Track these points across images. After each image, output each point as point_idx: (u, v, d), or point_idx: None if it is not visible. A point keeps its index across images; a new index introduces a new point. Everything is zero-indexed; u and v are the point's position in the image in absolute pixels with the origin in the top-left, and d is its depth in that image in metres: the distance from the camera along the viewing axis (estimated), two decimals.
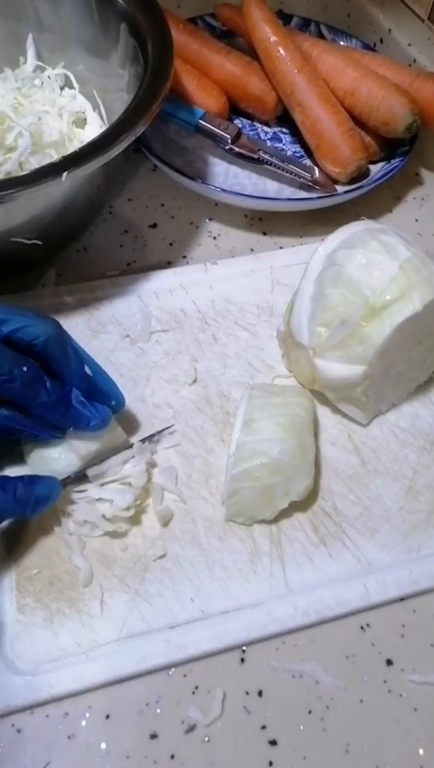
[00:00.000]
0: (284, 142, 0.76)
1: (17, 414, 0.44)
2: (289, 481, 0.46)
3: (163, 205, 0.71)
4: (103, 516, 0.46)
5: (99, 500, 0.47)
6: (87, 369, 0.47)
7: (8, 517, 0.44)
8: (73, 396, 0.46)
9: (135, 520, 0.48)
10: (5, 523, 0.46)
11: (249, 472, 0.46)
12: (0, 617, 0.43)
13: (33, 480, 0.44)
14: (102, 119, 0.68)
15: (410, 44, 0.82)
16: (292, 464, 0.46)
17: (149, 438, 0.51)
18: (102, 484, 0.47)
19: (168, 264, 0.65)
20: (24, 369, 0.42)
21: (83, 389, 0.46)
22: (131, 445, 0.49)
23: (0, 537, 0.46)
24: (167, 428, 0.52)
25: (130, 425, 0.52)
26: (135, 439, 0.50)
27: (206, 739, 0.41)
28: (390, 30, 0.83)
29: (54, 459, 0.47)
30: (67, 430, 0.47)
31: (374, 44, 0.85)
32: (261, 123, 0.77)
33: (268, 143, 0.75)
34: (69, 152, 0.50)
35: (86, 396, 0.46)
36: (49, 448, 0.47)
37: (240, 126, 0.76)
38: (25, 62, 0.70)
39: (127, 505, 0.46)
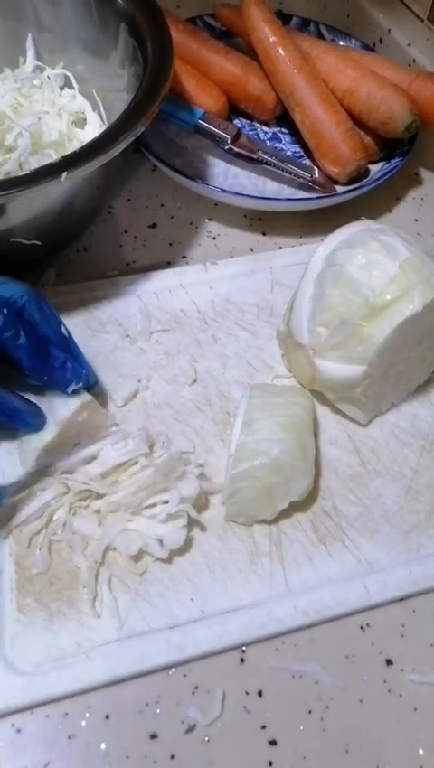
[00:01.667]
0: (283, 142, 0.76)
1: None
2: (289, 481, 0.46)
3: (162, 205, 0.71)
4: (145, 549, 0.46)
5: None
6: (63, 329, 0.47)
7: None
8: (52, 352, 0.46)
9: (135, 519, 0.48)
10: None
11: (249, 473, 0.46)
12: (0, 617, 0.43)
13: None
14: (102, 119, 0.68)
15: (409, 44, 0.82)
16: (292, 464, 0.46)
17: None
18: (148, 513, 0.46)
19: (168, 264, 0.65)
20: None
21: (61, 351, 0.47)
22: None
23: None
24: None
25: (130, 424, 0.52)
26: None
27: (206, 739, 0.41)
28: (389, 30, 0.84)
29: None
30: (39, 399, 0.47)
31: (374, 44, 0.85)
32: (261, 123, 0.77)
33: (268, 143, 0.75)
34: (68, 152, 0.50)
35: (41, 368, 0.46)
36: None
37: (239, 126, 0.76)
38: (25, 62, 0.70)
39: (180, 543, 0.46)
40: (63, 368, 0.46)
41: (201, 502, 0.48)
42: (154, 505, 0.46)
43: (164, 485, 0.46)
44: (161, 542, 0.45)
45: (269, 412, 0.48)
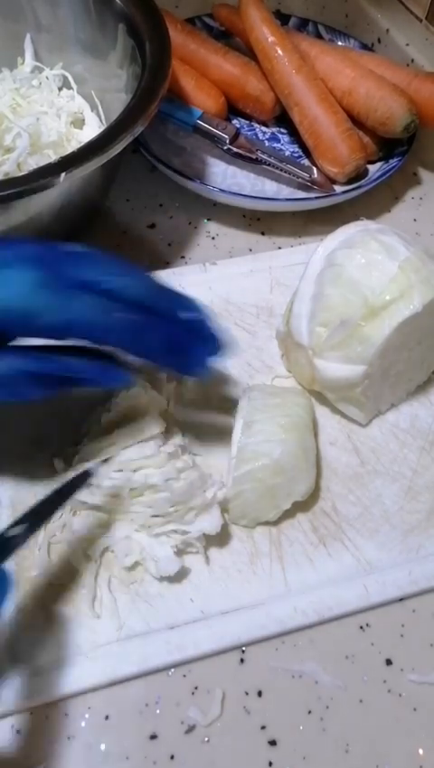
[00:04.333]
0: (282, 142, 0.76)
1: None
2: (292, 481, 0.46)
3: (161, 205, 0.71)
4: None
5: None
6: (186, 314, 0.43)
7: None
8: (182, 334, 0.42)
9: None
10: None
11: (251, 474, 0.46)
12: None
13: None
14: (100, 120, 0.68)
15: (407, 44, 0.82)
16: (294, 465, 0.46)
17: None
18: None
19: (167, 264, 0.65)
20: (115, 315, 0.39)
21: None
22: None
23: None
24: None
25: None
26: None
27: (206, 739, 0.41)
28: (388, 30, 0.84)
29: None
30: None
31: (372, 44, 0.85)
32: (259, 123, 0.77)
33: (267, 143, 0.75)
34: (67, 152, 0.50)
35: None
36: None
37: (238, 126, 0.76)
38: (23, 63, 0.70)
39: (173, 572, 0.44)
40: (195, 355, 0.43)
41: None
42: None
43: (181, 513, 0.45)
44: (156, 563, 0.44)
45: (270, 413, 0.48)
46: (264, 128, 0.77)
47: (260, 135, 0.76)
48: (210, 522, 0.45)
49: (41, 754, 0.40)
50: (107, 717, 0.41)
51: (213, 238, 0.68)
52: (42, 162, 0.58)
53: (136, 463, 0.45)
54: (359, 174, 0.70)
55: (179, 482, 0.45)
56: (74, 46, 0.68)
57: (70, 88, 0.70)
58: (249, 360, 0.56)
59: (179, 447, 0.47)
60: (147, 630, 0.43)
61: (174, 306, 0.42)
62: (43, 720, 0.41)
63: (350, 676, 0.43)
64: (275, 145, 0.75)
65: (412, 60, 0.81)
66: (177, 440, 0.48)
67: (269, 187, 0.71)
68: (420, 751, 0.41)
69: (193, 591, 0.45)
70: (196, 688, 0.42)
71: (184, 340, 0.42)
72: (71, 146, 0.66)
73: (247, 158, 0.69)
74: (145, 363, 0.44)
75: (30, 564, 0.45)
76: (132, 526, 0.45)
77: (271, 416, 0.48)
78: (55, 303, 0.38)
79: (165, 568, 0.44)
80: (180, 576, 0.45)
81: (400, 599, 0.46)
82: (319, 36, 0.83)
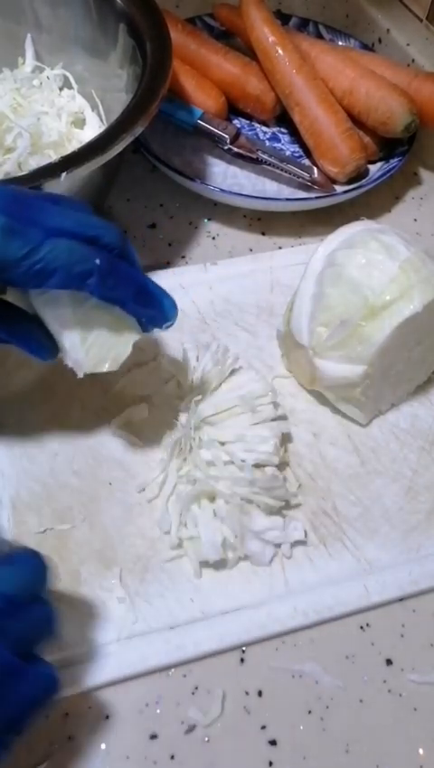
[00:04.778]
0: (283, 142, 0.76)
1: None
2: None
3: (162, 205, 0.71)
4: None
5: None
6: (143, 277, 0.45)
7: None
8: (150, 283, 0.44)
9: (135, 521, 0.48)
10: None
11: None
12: None
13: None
14: (101, 120, 0.68)
15: (408, 44, 0.82)
16: None
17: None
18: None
19: (167, 264, 0.65)
20: (97, 261, 0.40)
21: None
22: None
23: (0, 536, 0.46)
24: None
25: None
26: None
27: (206, 739, 0.41)
28: (388, 30, 0.83)
29: None
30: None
31: (373, 44, 0.85)
32: (260, 123, 0.77)
33: (267, 143, 0.75)
34: (68, 152, 0.50)
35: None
36: None
37: (238, 126, 0.76)
38: (24, 63, 0.70)
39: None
40: (157, 300, 0.44)
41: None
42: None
43: (264, 502, 0.46)
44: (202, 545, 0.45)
45: None
46: (265, 128, 0.77)
47: (261, 135, 0.76)
48: (295, 533, 0.47)
49: (41, 754, 0.40)
50: (107, 717, 0.41)
51: (214, 237, 0.68)
52: (43, 162, 0.58)
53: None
54: (359, 174, 0.70)
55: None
56: (75, 46, 0.68)
57: (70, 87, 0.70)
58: (249, 360, 0.56)
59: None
60: (148, 629, 0.43)
61: (136, 262, 0.44)
62: (44, 720, 0.41)
63: (350, 676, 0.43)
64: (275, 144, 0.75)
65: (413, 60, 0.81)
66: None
67: (270, 187, 0.71)
68: (420, 751, 0.41)
69: (193, 591, 0.45)
70: (196, 687, 0.42)
71: (154, 289, 0.44)
72: (72, 146, 0.66)
73: (247, 158, 0.69)
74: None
75: None
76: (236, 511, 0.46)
77: None
78: (27, 249, 0.37)
79: (207, 553, 0.45)
80: (218, 565, 0.46)
81: (401, 599, 0.46)
82: (320, 36, 0.83)
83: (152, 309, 0.44)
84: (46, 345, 0.44)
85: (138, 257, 0.45)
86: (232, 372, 0.52)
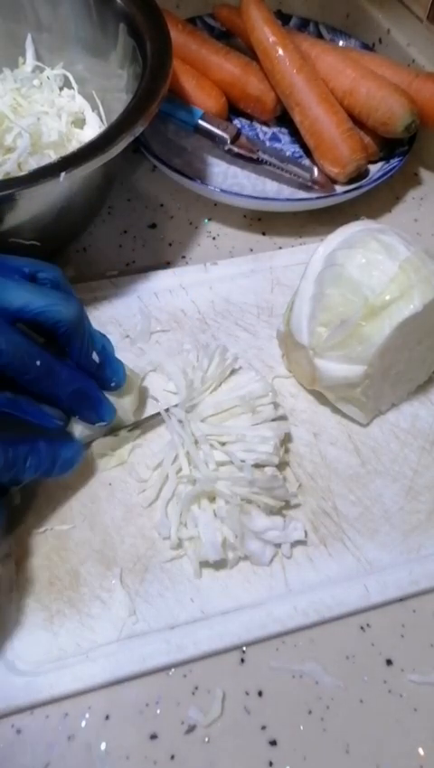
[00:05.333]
0: (283, 142, 0.76)
1: (21, 399, 0.43)
2: None
3: (162, 205, 0.71)
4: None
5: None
6: (96, 356, 0.46)
7: (31, 476, 0.42)
8: (90, 387, 0.46)
9: (135, 521, 0.48)
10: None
11: None
12: (0, 618, 0.43)
13: (57, 439, 0.43)
14: (101, 120, 0.68)
15: (408, 44, 0.82)
16: None
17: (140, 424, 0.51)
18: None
19: (167, 264, 0.65)
20: (38, 363, 0.41)
21: (87, 373, 0.46)
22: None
23: (0, 536, 0.46)
24: (155, 415, 0.51)
25: None
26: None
27: (206, 739, 0.41)
28: (389, 30, 0.83)
29: None
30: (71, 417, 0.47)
31: (373, 44, 0.85)
32: (260, 123, 0.77)
33: (268, 143, 0.75)
34: (68, 152, 0.50)
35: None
36: None
37: (239, 126, 0.76)
38: (24, 63, 0.70)
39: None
40: (97, 407, 0.46)
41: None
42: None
43: (264, 502, 0.47)
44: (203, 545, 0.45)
45: None
46: (265, 128, 0.77)
47: (261, 135, 0.76)
48: (296, 533, 0.47)
49: (41, 755, 0.40)
50: (107, 717, 0.41)
51: (214, 238, 0.68)
52: (43, 162, 0.58)
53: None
54: (360, 174, 0.70)
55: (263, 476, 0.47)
56: (75, 46, 0.68)
57: (70, 87, 0.70)
58: (249, 360, 0.56)
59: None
60: (147, 630, 0.43)
61: (86, 342, 0.45)
62: (43, 720, 0.41)
63: (350, 676, 0.43)
64: (276, 144, 0.75)
65: (413, 61, 0.81)
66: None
67: (270, 187, 0.71)
68: (420, 751, 0.41)
69: (193, 591, 0.45)
70: (196, 687, 0.42)
71: (92, 392, 0.46)
72: (72, 146, 0.66)
73: (248, 158, 0.69)
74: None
75: (30, 563, 0.45)
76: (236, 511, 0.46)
77: None
78: None
79: (207, 553, 0.45)
80: (218, 565, 0.46)
81: (401, 599, 0.46)
82: (320, 36, 0.83)
83: (87, 410, 0.46)
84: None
85: (94, 337, 0.46)
86: (232, 372, 0.52)
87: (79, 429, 0.47)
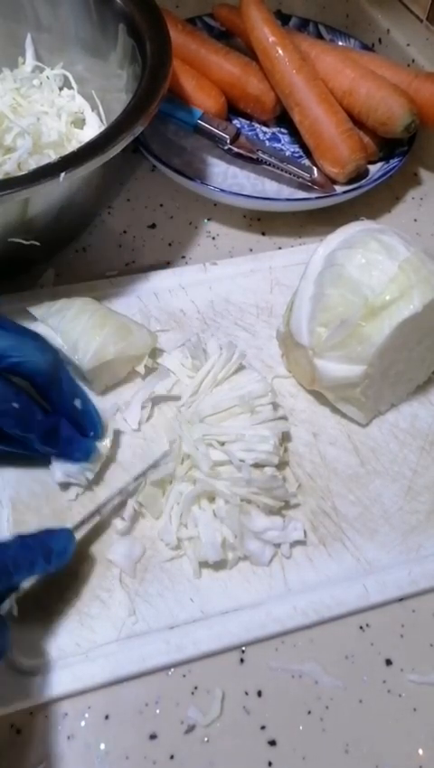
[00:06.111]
0: (283, 142, 0.76)
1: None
2: None
3: (162, 205, 0.71)
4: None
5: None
6: (77, 402, 0.47)
7: (25, 577, 0.41)
8: (63, 426, 0.46)
9: (135, 521, 0.48)
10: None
11: None
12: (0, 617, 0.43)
13: (46, 534, 0.42)
14: (101, 120, 0.68)
15: (408, 44, 0.82)
16: None
17: (143, 475, 0.48)
18: None
19: (167, 264, 0.65)
20: (15, 405, 0.43)
21: (67, 419, 0.47)
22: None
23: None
24: (162, 458, 0.49)
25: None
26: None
27: (205, 739, 0.41)
28: (388, 30, 0.84)
29: None
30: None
31: (373, 44, 0.85)
32: (260, 123, 0.77)
33: (267, 143, 0.75)
34: (67, 152, 0.50)
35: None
36: None
37: (238, 126, 0.76)
38: (24, 63, 0.70)
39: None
40: (70, 445, 0.47)
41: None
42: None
43: (263, 502, 0.47)
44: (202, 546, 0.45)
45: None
46: (265, 128, 0.77)
47: (261, 135, 0.76)
48: (295, 533, 0.47)
49: (41, 754, 0.40)
50: (107, 717, 0.41)
51: (214, 238, 0.68)
52: (43, 162, 0.58)
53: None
54: (359, 174, 0.70)
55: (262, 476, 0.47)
56: (75, 46, 0.68)
57: (70, 87, 0.70)
58: (249, 360, 0.56)
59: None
60: (147, 629, 0.43)
61: (65, 390, 0.46)
62: (43, 720, 0.41)
63: (350, 676, 0.43)
64: (275, 145, 0.75)
65: (413, 61, 0.81)
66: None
67: (270, 187, 0.71)
68: (420, 751, 0.41)
69: (192, 591, 0.45)
70: (196, 687, 0.42)
71: (69, 432, 0.46)
72: (72, 146, 0.66)
73: (247, 158, 0.69)
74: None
75: None
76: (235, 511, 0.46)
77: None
78: None
79: (207, 553, 0.45)
80: (218, 565, 0.46)
81: (400, 599, 0.46)
82: (320, 36, 0.83)
83: (66, 446, 0.47)
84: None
85: (72, 384, 0.47)
86: (235, 371, 0.52)
87: (59, 472, 0.47)
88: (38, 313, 0.53)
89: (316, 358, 0.50)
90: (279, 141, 0.76)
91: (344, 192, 0.68)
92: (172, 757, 0.40)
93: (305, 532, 0.47)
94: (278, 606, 0.45)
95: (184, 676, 0.43)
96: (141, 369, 0.53)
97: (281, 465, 0.50)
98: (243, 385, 0.51)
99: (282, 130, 0.77)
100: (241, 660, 0.44)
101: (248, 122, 0.78)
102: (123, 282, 0.61)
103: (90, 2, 0.64)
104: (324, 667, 0.43)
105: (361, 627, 0.45)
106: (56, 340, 0.51)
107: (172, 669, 0.43)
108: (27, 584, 0.44)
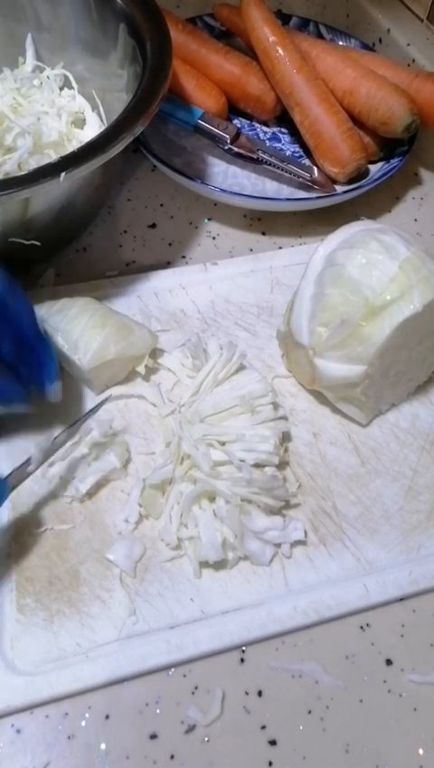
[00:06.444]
0: (283, 142, 0.76)
1: None
2: None
3: (162, 205, 0.71)
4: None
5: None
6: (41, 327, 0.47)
7: None
8: (35, 346, 0.46)
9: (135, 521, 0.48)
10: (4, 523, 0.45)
11: None
12: (0, 617, 0.43)
13: None
14: (101, 119, 0.68)
15: (408, 44, 0.82)
16: None
17: (83, 418, 0.48)
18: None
19: (167, 264, 0.65)
20: None
21: (13, 354, 0.46)
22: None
23: (0, 537, 0.46)
24: (104, 401, 0.50)
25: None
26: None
27: (206, 739, 0.41)
28: (389, 30, 0.83)
29: None
30: None
31: (373, 44, 0.85)
32: (260, 123, 0.77)
33: (268, 143, 0.75)
34: (68, 152, 0.50)
35: (16, 359, 0.46)
36: None
37: (239, 126, 0.76)
38: (24, 62, 0.71)
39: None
40: (41, 365, 0.46)
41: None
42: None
43: (264, 502, 0.47)
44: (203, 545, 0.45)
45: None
46: (265, 128, 0.77)
47: (261, 135, 0.76)
48: (296, 533, 0.47)
49: (41, 754, 0.40)
50: (107, 717, 0.41)
51: (214, 237, 0.68)
52: (43, 161, 0.58)
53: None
54: (360, 174, 0.70)
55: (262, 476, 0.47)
56: (75, 46, 0.68)
57: (71, 87, 0.70)
58: (249, 360, 0.56)
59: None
60: (147, 629, 0.43)
61: (24, 315, 0.46)
62: (43, 720, 0.41)
63: (350, 676, 0.43)
64: (276, 144, 0.75)
65: (413, 61, 0.80)
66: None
67: (270, 187, 0.71)
68: (420, 751, 0.41)
69: (193, 590, 0.45)
70: (196, 687, 0.42)
71: (37, 349, 0.46)
72: (72, 146, 0.66)
73: (248, 158, 0.69)
74: None
75: (30, 563, 0.45)
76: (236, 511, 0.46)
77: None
78: None
79: (207, 553, 0.45)
80: (218, 565, 0.46)
81: (401, 599, 0.46)
82: (320, 36, 0.83)
83: (33, 369, 0.46)
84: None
85: (26, 306, 0.47)
86: (236, 371, 0.52)
87: None
88: (38, 312, 0.53)
89: (316, 358, 0.50)
90: (280, 141, 0.76)
91: (345, 192, 0.68)
92: (172, 757, 0.40)
93: (305, 532, 0.47)
94: (279, 606, 0.45)
95: (185, 676, 0.43)
96: (141, 369, 0.53)
97: (282, 465, 0.50)
98: (244, 385, 0.51)
99: (282, 130, 0.77)
100: (242, 660, 0.44)
101: (248, 122, 0.78)
102: (123, 282, 0.61)
103: (91, 2, 0.64)
104: (324, 667, 0.43)
105: (361, 627, 0.45)
106: (57, 339, 0.51)
107: (172, 669, 0.43)
108: (28, 583, 0.44)
